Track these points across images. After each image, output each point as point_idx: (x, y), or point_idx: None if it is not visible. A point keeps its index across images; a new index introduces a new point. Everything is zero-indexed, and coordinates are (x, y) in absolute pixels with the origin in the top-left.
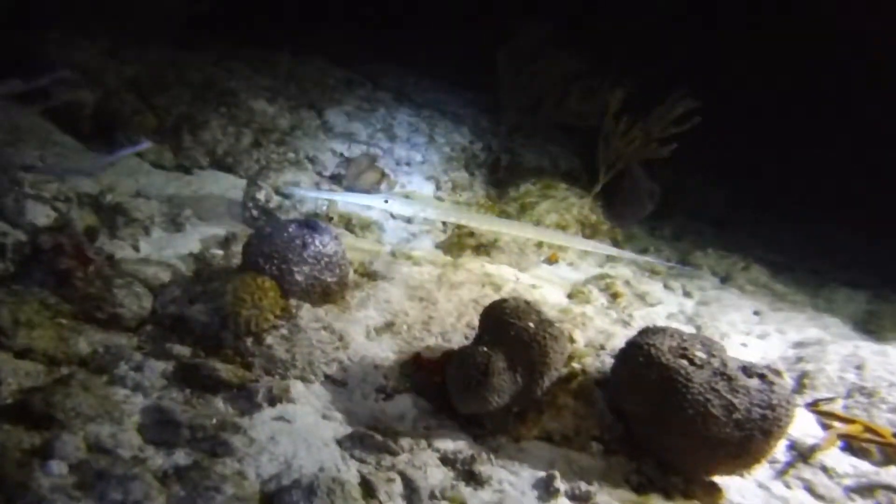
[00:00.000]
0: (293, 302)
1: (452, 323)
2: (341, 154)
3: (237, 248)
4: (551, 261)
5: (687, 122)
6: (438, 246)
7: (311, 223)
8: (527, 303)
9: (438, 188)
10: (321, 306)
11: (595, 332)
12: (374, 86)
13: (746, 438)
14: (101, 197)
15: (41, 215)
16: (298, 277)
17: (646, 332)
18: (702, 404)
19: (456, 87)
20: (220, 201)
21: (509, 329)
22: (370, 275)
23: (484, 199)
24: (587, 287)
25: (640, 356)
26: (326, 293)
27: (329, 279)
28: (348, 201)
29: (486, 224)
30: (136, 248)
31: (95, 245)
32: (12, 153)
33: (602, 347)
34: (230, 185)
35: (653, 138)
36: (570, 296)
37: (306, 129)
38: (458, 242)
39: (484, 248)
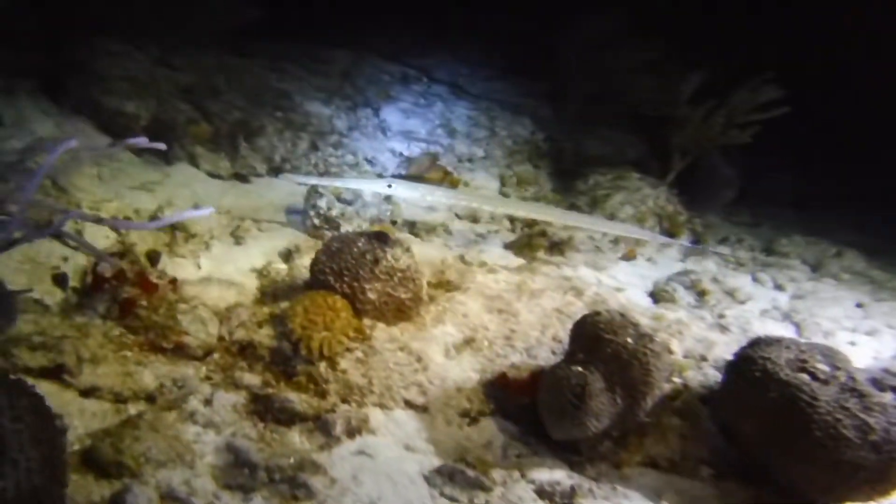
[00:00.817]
0: (367, 322)
1: (537, 336)
2: (401, 153)
3: (301, 260)
4: (629, 257)
5: (771, 110)
6: (508, 247)
7: (380, 236)
8: (621, 315)
9: (503, 184)
10: (396, 325)
11: (693, 341)
12: (430, 79)
13: (885, 462)
14: (159, 212)
15: (101, 237)
16: (371, 295)
17: (758, 343)
18: (831, 425)
19: (512, 75)
20: (280, 210)
21: (605, 346)
22: (444, 285)
23: (551, 194)
24: (671, 285)
25: (753, 371)
26: (401, 310)
27: (403, 295)
28: (350, 187)
29: (502, 207)
30: (199, 266)
31: (158, 268)
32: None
33: (703, 358)
34: (289, 192)
35: (734, 124)
36: (653, 295)
37: (363, 129)
38: (530, 243)
39: (557, 246)
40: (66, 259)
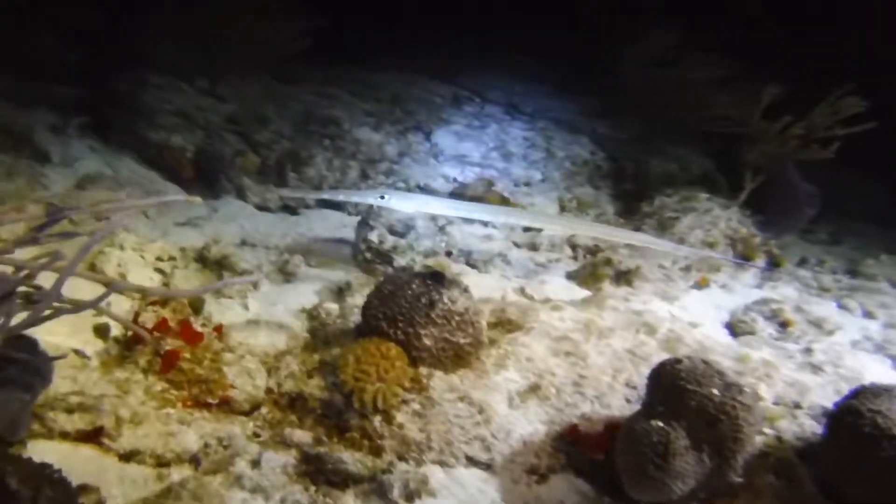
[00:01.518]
0: (423, 370)
1: (609, 382)
2: (454, 179)
3: (353, 299)
4: (701, 285)
5: (855, 125)
6: (571, 277)
7: (436, 276)
8: (704, 362)
9: (563, 208)
10: (455, 372)
11: (784, 385)
12: (483, 100)
13: None
14: (205, 250)
15: (145, 279)
16: (427, 342)
17: (864, 393)
18: None
19: (568, 92)
20: (330, 243)
21: (688, 399)
22: (505, 324)
23: (614, 218)
24: (749, 315)
25: (861, 426)
26: (459, 356)
27: (462, 340)
28: (341, 199)
29: (517, 218)
30: (246, 307)
31: (202, 314)
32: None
33: (797, 406)
34: (339, 224)
35: (813, 139)
36: (731, 327)
37: (415, 154)
38: (594, 273)
39: (624, 276)
40: (109, 305)
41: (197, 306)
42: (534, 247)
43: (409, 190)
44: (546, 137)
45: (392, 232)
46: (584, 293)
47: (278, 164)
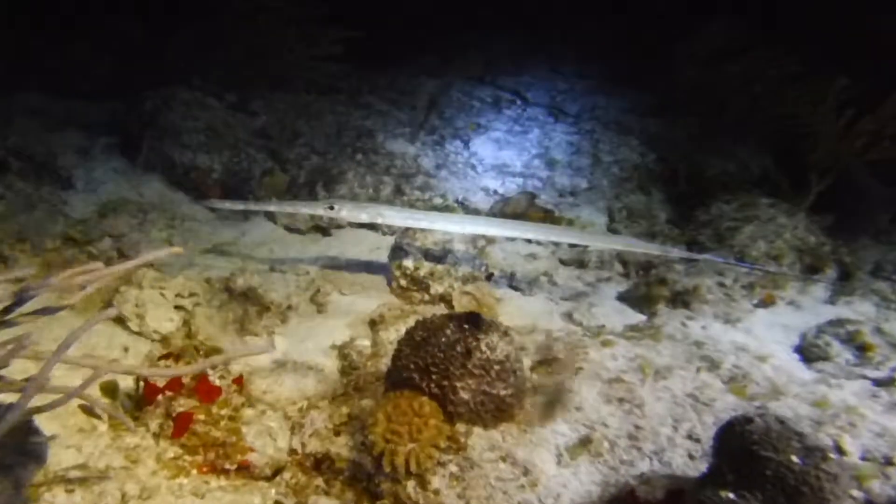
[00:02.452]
0: (460, 428)
1: (668, 435)
2: (494, 191)
3: (387, 333)
4: (767, 302)
5: None
6: (623, 298)
7: (472, 318)
8: (780, 421)
9: (612, 219)
10: (496, 427)
11: (871, 436)
12: (524, 101)
13: None
14: (231, 281)
15: (164, 319)
16: (464, 395)
17: None
18: None
19: (614, 87)
20: (364, 267)
21: (763, 466)
22: (551, 364)
23: (668, 228)
24: (823, 338)
25: None
26: (500, 409)
27: (502, 392)
28: (285, 211)
29: (462, 225)
30: (273, 346)
31: (222, 361)
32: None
33: (889, 462)
34: (373, 245)
35: (884, 134)
36: (802, 352)
37: (452, 166)
38: (648, 294)
39: (680, 297)
40: (126, 350)
41: (212, 353)
42: (582, 264)
43: (447, 207)
44: (592, 141)
45: (428, 256)
46: (637, 317)
47: (308, 181)
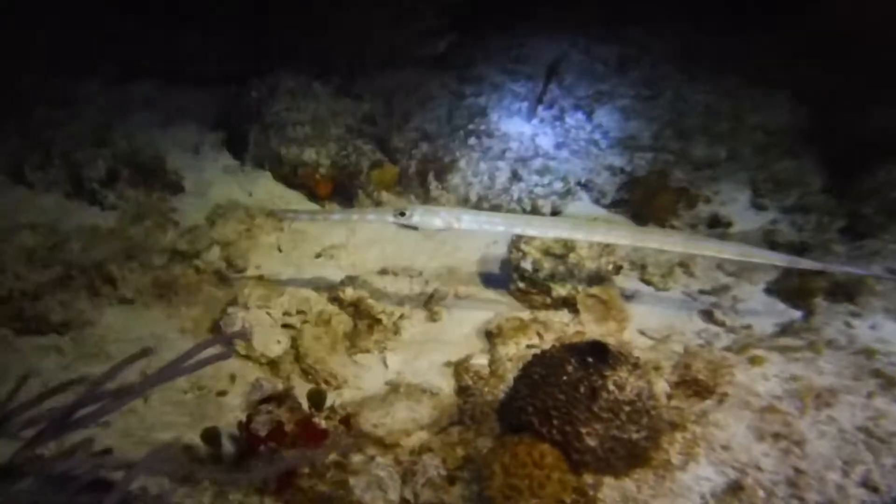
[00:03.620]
0: (588, 479)
1: (837, 481)
2: (621, 170)
3: (506, 348)
4: None
5: None
6: (772, 289)
7: (596, 350)
8: None
9: (756, 192)
10: (628, 475)
11: None
12: (653, 57)
13: None
14: (340, 291)
15: (272, 341)
16: (591, 442)
17: None
18: None
19: (757, 33)
20: (480, 264)
21: None
22: (691, 386)
23: (822, 198)
24: None
25: None
26: (633, 454)
27: (634, 436)
28: (353, 219)
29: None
30: (385, 363)
31: (332, 399)
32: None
33: None
34: (490, 240)
35: None
36: None
37: (574, 143)
38: (803, 286)
39: (842, 288)
40: (233, 379)
41: (317, 401)
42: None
43: (569, 190)
44: (733, 100)
45: (548, 254)
46: (790, 314)
47: (419, 172)
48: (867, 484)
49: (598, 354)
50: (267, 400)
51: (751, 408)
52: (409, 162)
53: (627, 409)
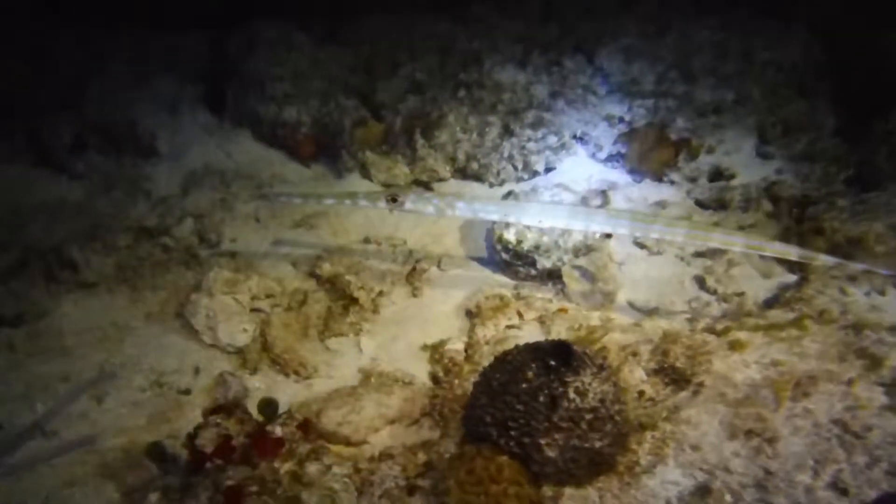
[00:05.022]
0: (548, 492)
1: (806, 483)
2: (620, 120)
3: (484, 330)
4: None
5: None
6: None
7: (560, 350)
8: None
9: (764, 138)
10: (591, 483)
11: None
12: None
13: None
14: (318, 265)
15: (238, 329)
16: (550, 454)
17: None
18: None
19: None
20: (467, 231)
21: None
22: (667, 373)
23: (833, 144)
24: None
25: None
26: (596, 462)
27: (597, 444)
28: (345, 204)
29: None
30: (360, 347)
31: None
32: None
33: None
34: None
35: None
36: None
37: (570, 92)
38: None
39: (841, 249)
40: (197, 372)
41: (268, 412)
42: (722, 204)
43: (563, 144)
44: (744, 37)
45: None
46: (787, 278)
47: (405, 129)
48: (837, 485)
49: (561, 356)
50: (216, 411)
51: (726, 401)
52: (395, 118)
53: (589, 416)
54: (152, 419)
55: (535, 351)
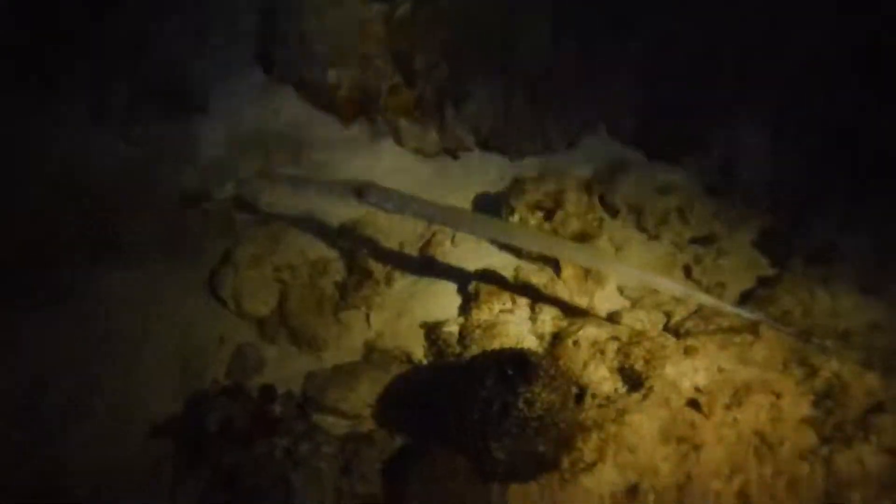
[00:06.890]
0: (494, 487)
1: (717, 489)
2: None
3: (479, 313)
4: None
5: None
6: (759, 242)
7: (519, 361)
8: None
9: None
10: (535, 478)
11: None
12: None
13: None
14: (339, 236)
15: (260, 301)
16: (499, 455)
17: None
18: None
19: None
20: (483, 204)
21: None
22: (627, 372)
23: None
24: None
25: None
26: (540, 463)
27: (540, 448)
28: (325, 191)
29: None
30: (368, 321)
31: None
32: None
33: None
34: (497, 177)
35: None
36: None
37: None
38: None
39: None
40: (222, 340)
41: (268, 395)
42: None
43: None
44: None
45: (538, 208)
46: (770, 271)
47: (437, 98)
48: (741, 495)
49: (520, 366)
50: (221, 392)
51: (669, 406)
52: (426, 86)
53: (535, 424)
54: (175, 393)
55: (498, 357)
